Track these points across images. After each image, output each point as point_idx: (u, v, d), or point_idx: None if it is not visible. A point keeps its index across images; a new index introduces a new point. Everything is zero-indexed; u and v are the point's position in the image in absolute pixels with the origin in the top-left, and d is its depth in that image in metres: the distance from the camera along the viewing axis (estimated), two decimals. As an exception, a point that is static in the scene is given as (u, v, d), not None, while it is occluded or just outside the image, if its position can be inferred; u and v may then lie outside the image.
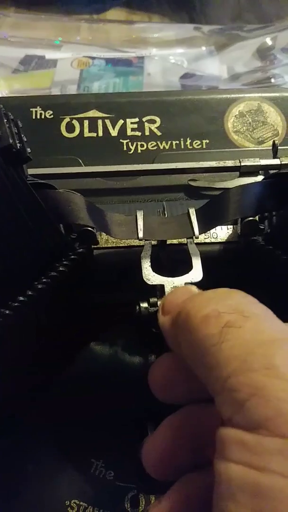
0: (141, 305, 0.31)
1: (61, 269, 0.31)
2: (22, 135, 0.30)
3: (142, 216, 0.34)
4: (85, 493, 0.34)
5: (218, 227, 0.36)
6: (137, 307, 0.31)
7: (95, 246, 0.35)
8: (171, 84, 0.77)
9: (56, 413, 0.36)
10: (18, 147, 0.29)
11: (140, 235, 0.33)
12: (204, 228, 0.33)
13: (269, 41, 0.82)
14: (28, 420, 0.35)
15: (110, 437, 0.35)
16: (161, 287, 0.31)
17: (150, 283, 0.31)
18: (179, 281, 0.30)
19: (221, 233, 0.36)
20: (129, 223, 0.34)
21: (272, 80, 0.75)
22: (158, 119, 0.45)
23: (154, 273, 0.31)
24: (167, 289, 0.30)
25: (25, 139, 0.31)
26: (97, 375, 0.37)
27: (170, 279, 0.30)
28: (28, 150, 0.31)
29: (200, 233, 0.33)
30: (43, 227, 0.31)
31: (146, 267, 0.31)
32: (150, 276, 0.31)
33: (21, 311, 0.29)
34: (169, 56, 0.82)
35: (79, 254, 0.32)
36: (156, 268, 0.31)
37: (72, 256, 0.32)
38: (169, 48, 0.85)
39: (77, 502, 0.34)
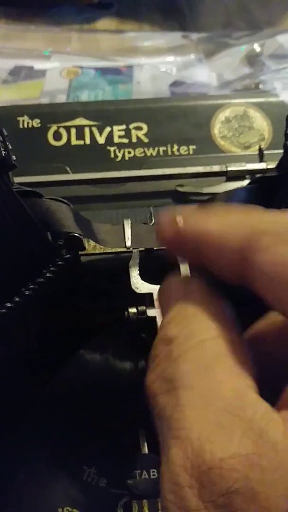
0: (130, 310, 0.31)
1: (48, 275, 0.31)
2: (7, 143, 0.31)
3: (129, 225, 0.34)
4: (77, 500, 0.34)
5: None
6: (126, 313, 0.31)
7: (83, 253, 0.35)
8: (160, 92, 0.77)
9: (47, 420, 0.36)
10: (3, 155, 0.29)
11: (128, 244, 0.33)
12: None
13: (257, 48, 0.83)
14: (19, 427, 0.35)
15: (102, 444, 0.35)
16: (150, 295, 0.31)
17: (139, 292, 0.31)
18: None
19: None
20: (116, 232, 0.34)
21: (261, 86, 0.76)
22: (145, 126, 0.46)
23: (142, 281, 0.31)
24: (156, 297, 0.30)
25: (10, 147, 0.31)
26: (88, 382, 0.37)
27: (158, 286, 0.30)
28: (13, 157, 0.31)
29: None
30: (30, 234, 0.31)
31: (135, 275, 0.31)
32: (139, 285, 0.31)
33: (9, 318, 0.29)
34: (158, 65, 0.83)
35: (66, 260, 0.32)
36: (145, 275, 0.31)
37: (59, 262, 0.32)
38: (158, 56, 0.85)
39: (70, 509, 0.34)
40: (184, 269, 0.23)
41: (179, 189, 0.41)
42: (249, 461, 0.16)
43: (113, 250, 0.36)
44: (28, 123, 0.45)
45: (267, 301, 0.18)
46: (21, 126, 0.45)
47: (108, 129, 0.45)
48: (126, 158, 0.44)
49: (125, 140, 0.45)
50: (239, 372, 0.18)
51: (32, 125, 0.45)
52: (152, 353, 0.20)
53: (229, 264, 0.20)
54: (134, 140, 0.45)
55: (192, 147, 0.45)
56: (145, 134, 0.45)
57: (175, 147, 0.45)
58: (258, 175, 0.39)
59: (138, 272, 0.32)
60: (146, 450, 0.34)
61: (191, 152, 0.44)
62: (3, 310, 0.29)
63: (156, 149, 0.44)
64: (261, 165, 0.40)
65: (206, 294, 0.21)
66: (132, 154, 0.44)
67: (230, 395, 0.17)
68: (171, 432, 0.17)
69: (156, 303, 0.29)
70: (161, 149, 0.44)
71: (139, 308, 0.31)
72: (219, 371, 0.18)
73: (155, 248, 0.35)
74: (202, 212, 0.21)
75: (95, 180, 0.40)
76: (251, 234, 0.18)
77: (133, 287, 0.31)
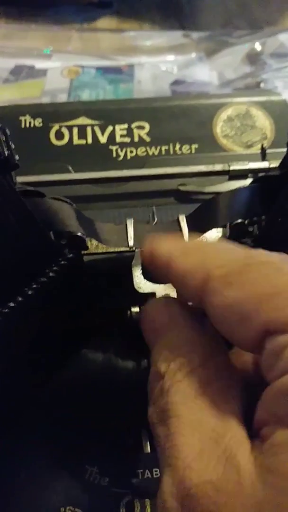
0: (132, 310, 0.31)
1: (50, 274, 0.31)
2: (10, 142, 0.31)
3: (132, 224, 0.34)
4: (79, 499, 0.34)
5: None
6: (128, 312, 0.31)
7: (85, 252, 0.35)
8: (161, 91, 0.77)
9: (49, 420, 0.36)
10: (6, 154, 0.29)
11: (131, 243, 0.33)
12: (194, 235, 0.34)
13: (258, 47, 0.83)
14: (20, 427, 0.35)
15: (104, 443, 0.35)
16: (153, 295, 0.30)
17: (142, 291, 0.31)
18: (171, 287, 0.30)
19: (211, 236, 0.36)
20: (119, 231, 0.34)
21: (262, 85, 0.76)
22: (147, 125, 0.46)
23: (145, 280, 0.31)
24: (159, 296, 0.30)
25: (13, 147, 0.31)
26: (90, 381, 0.37)
27: (161, 285, 0.30)
28: (16, 157, 0.31)
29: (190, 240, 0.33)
30: (32, 234, 0.31)
31: (137, 275, 0.31)
32: (142, 284, 0.31)
33: (11, 317, 0.29)
34: (159, 64, 0.83)
35: (68, 260, 0.32)
36: (148, 275, 0.31)
37: (62, 262, 0.32)
38: (159, 55, 0.85)
39: (72, 509, 0.33)
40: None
41: (181, 188, 0.41)
42: (217, 486, 0.16)
43: (116, 250, 0.36)
44: (30, 122, 0.45)
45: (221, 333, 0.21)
46: (23, 125, 0.45)
47: (110, 128, 0.45)
48: (128, 157, 0.44)
49: (127, 139, 0.45)
50: (224, 397, 0.19)
51: (34, 125, 0.45)
52: (149, 387, 0.22)
53: (192, 297, 0.22)
54: (136, 139, 0.45)
55: (194, 146, 0.45)
56: (147, 133, 0.45)
57: (177, 146, 0.45)
58: (260, 174, 0.39)
59: (140, 271, 0.31)
60: (148, 449, 0.34)
61: (193, 151, 0.44)
62: (6, 310, 0.29)
63: (158, 148, 0.44)
64: (264, 164, 0.40)
65: (188, 316, 0.23)
66: (134, 153, 0.44)
67: (213, 422, 0.18)
68: (165, 460, 0.19)
69: None
70: (163, 148, 0.44)
71: (142, 307, 0.31)
72: (206, 398, 0.19)
73: None
74: (172, 247, 0.24)
75: (97, 180, 0.40)
76: (204, 279, 0.20)
77: (136, 287, 0.31)
